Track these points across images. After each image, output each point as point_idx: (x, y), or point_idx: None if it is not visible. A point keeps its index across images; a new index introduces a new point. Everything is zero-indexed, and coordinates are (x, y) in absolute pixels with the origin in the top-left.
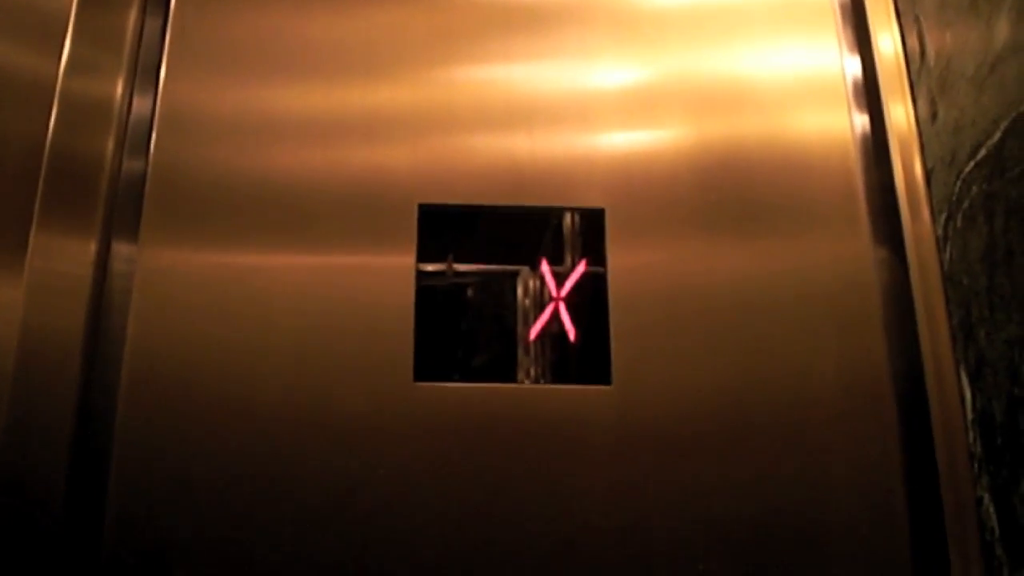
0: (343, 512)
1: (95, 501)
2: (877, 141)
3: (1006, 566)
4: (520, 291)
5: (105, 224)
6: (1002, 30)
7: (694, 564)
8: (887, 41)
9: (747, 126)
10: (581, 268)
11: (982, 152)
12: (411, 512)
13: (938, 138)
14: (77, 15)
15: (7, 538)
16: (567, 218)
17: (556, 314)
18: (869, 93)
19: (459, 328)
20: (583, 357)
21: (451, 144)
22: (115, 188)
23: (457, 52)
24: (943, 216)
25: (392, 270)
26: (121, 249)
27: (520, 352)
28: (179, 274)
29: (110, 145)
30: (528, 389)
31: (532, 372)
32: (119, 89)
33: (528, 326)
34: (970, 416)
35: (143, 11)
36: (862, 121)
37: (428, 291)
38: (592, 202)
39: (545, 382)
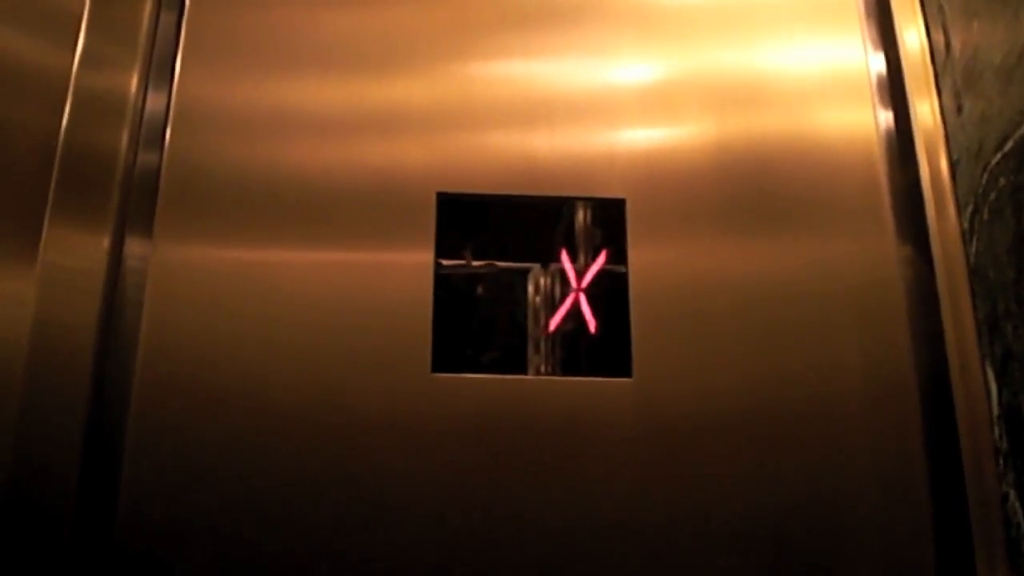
0: (360, 503)
1: (107, 497)
2: (902, 137)
3: None
4: (540, 283)
5: (119, 219)
6: None
7: (714, 558)
8: (912, 36)
9: (770, 123)
10: (601, 259)
11: (1009, 144)
12: (428, 502)
13: (964, 130)
14: (91, 9)
15: (19, 535)
16: (586, 210)
17: (576, 306)
18: (893, 89)
19: (478, 319)
20: (603, 349)
21: (469, 137)
22: (129, 183)
23: (474, 47)
24: (969, 209)
25: (411, 261)
26: (135, 244)
27: (540, 344)
28: (193, 270)
29: (124, 139)
30: (547, 381)
31: (551, 364)
32: (134, 83)
33: (548, 318)
34: (996, 411)
35: (158, 5)
36: (886, 117)
37: (446, 282)
38: (612, 192)
39: (565, 374)
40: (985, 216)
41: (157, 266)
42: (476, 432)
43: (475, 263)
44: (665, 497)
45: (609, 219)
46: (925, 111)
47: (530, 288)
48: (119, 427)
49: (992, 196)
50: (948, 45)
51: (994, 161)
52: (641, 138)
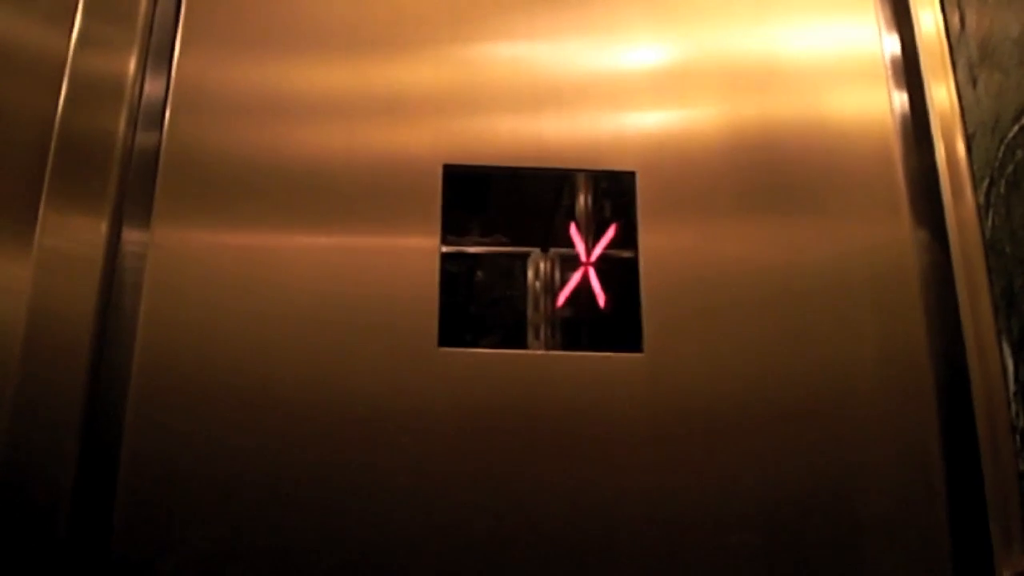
0: (368, 486)
1: (105, 486)
2: (917, 119)
3: None
4: (548, 257)
5: (117, 203)
6: None
7: (726, 538)
8: (928, 16)
9: (783, 104)
10: (611, 233)
11: None
12: (437, 479)
13: (979, 104)
14: None
15: (12, 534)
16: (596, 183)
17: (585, 280)
18: (908, 70)
19: (485, 294)
20: (613, 324)
21: (476, 116)
22: (127, 167)
23: (481, 27)
24: (985, 183)
25: (417, 236)
26: (133, 229)
27: (549, 318)
28: (193, 254)
29: (122, 122)
30: (556, 356)
31: (560, 339)
32: (132, 65)
33: (557, 292)
34: (1012, 388)
35: None
36: (901, 99)
37: (453, 257)
38: (624, 165)
39: (574, 349)
40: (1002, 189)
41: (156, 250)
42: (485, 407)
43: (483, 238)
44: (678, 472)
45: (619, 193)
46: (941, 92)
47: (539, 263)
48: (117, 417)
49: (1009, 169)
50: (962, 21)
51: (1011, 134)
52: (652, 116)
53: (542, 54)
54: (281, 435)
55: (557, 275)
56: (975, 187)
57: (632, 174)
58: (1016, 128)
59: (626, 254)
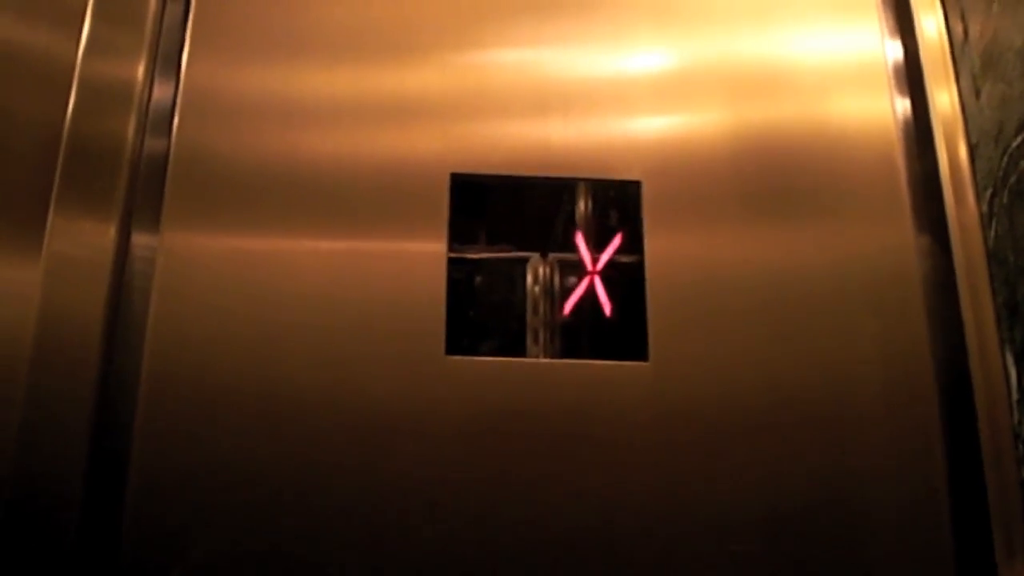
0: (377, 491)
1: (114, 492)
2: (919, 125)
3: None
4: (554, 266)
5: (126, 208)
6: None
7: (730, 546)
8: (930, 22)
9: (787, 110)
10: (616, 242)
11: None
12: (444, 486)
13: (982, 113)
14: None
15: (22, 540)
16: (602, 192)
17: (591, 289)
18: (911, 76)
19: (491, 302)
20: (619, 332)
21: (483, 123)
22: (136, 172)
23: (488, 34)
24: (988, 192)
25: (424, 244)
26: (142, 234)
27: (555, 326)
28: (202, 259)
29: (131, 128)
30: (562, 364)
31: (567, 347)
32: (140, 71)
33: (563, 301)
34: (1015, 396)
35: None
36: (903, 105)
37: (460, 265)
38: (628, 175)
39: (580, 357)
40: (1004, 199)
41: (165, 256)
42: (491, 414)
43: (489, 246)
44: (683, 480)
45: (624, 202)
46: (943, 98)
47: (545, 271)
48: (126, 422)
49: (1012, 179)
50: (966, 31)
51: (1014, 144)
52: (657, 124)
53: (548, 60)
54: (290, 440)
55: (564, 284)
56: (978, 197)
57: (638, 183)
58: (1019, 139)
59: (632, 263)
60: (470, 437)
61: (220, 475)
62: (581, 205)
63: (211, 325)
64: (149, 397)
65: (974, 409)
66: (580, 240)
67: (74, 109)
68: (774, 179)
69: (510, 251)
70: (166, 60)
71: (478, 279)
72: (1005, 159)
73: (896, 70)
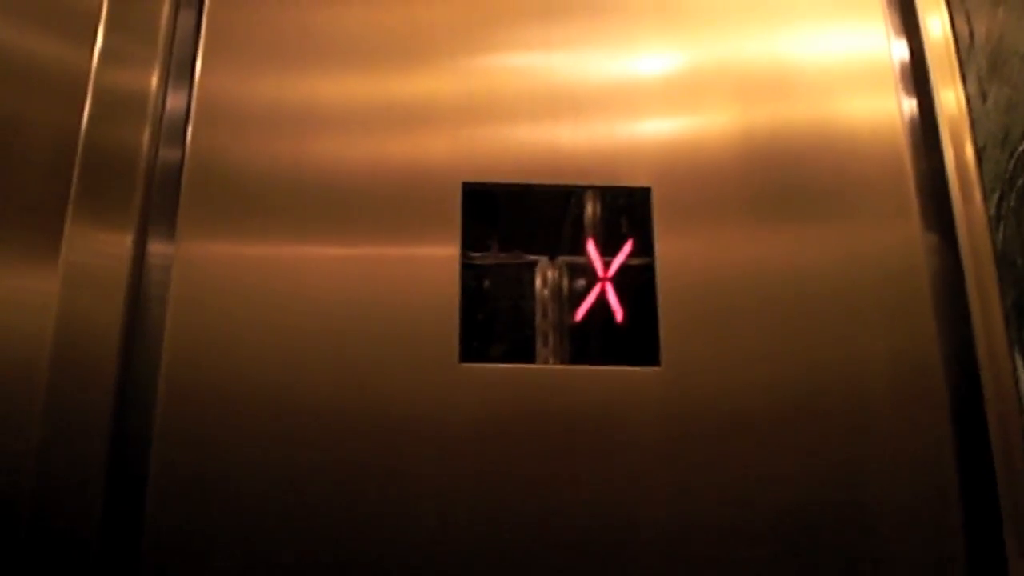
0: (393, 499)
1: (134, 499)
2: (926, 125)
3: None
4: (566, 273)
5: (142, 217)
6: None
7: (742, 549)
8: (935, 23)
9: (794, 111)
10: (627, 249)
11: None
12: (457, 491)
13: (989, 117)
14: (110, 6)
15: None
16: (612, 199)
17: (603, 295)
18: (917, 76)
19: (504, 310)
20: (631, 338)
21: (494, 129)
22: (151, 180)
23: (497, 39)
24: (995, 195)
25: (437, 252)
26: (158, 243)
27: (567, 333)
28: (218, 267)
29: (146, 137)
30: (574, 370)
31: (579, 353)
32: (154, 80)
33: (575, 307)
34: None
35: (177, 1)
36: (910, 105)
37: (473, 273)
38: (638, 181)
39: (592, 363)
40: (1012, 202)
41: (181, 264)
42: (505, 421)
43: (502, 254)
44: (695, 483)
45: (635, 208)
46: (949, 98)
47: (556, 278)
48: (145, 430)
49: (1020, 182)
50: (972, 33)
51: (1021, 147)
52: (666, 128)
53: (558, 65)
54: (307, 447)
55: (573, 287)
56: (985, 199)
57: (647, 190)
58: None
59: (643, 268)
60: (485, 443)
61: (238, 482)
62: (592, 211)
63: (227, 332)
64: (167, 405)
65: (984, 410)
66: (591, 247)
67: (89, 118)
68: (782, 181)
69: (523, 258)
70: (179, 69)
71: (489, 284)
72: (1012, 162)
73: (903, 70)
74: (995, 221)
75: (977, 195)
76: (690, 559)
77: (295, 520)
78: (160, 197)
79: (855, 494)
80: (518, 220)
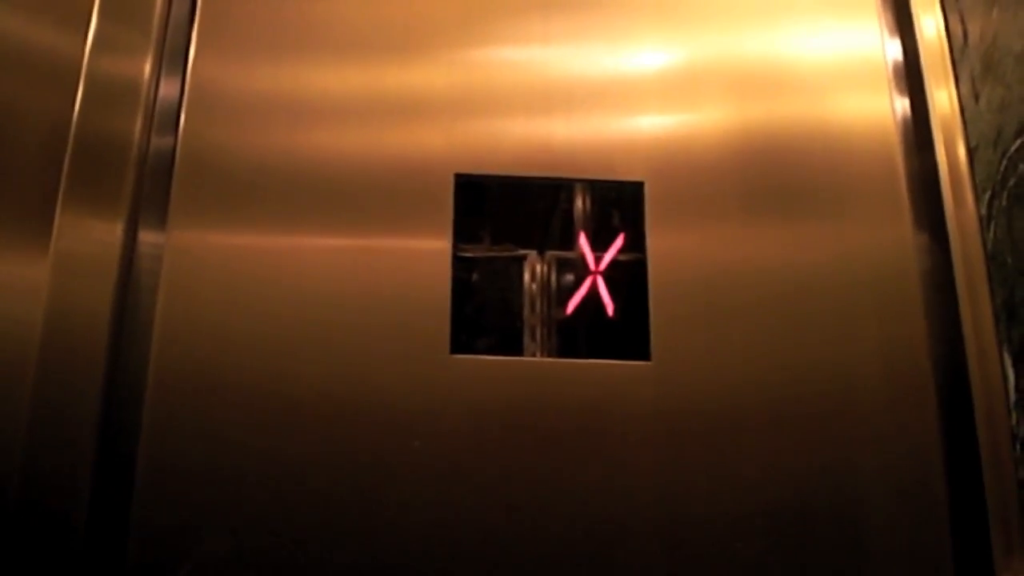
0: (384, 490)
1: (121, 490)
2: (919, 124)
3: None
4: (557, 266)
5: (133, 205)
6: None
7: (732, 545)
8: (929, 23)
9: (787, 109)
10: (619, 242)
11: None
12: (447, 484)
13: (982, 117)
14: None
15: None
16: (604, 192)
17: (594, 288)
18: (910, 76)
19: (495, 302)
20: (621, 332)
21: (488, 121)
22: (143, 169)
23: (493, 32)
24: (987, 195)
25: (428, 244)
26: (149, 231)
27: (558, 326)
28: (209, 256)
29: (137, 125)
30: (565, 363)
31: (570, 346)
32: (147, 68)
33: (566, 301)
34: (1013, 398)
35: None
36: (903, 104)
37: (464, 265)
38: (631, 175)
39: (583, 357)
40: (1003, 202)
41: (172, 253)
42: (496, 412)
43: (493, 246)
44: (685, 478)
45: (627, 202)
46: (942, 98)
47: (547, 271)
48: (134, 419)
49: (1011, 182)
50: (965, 33)
51: (1013, 148)
52: (659, 123)
53: (553, 59)
54: (296, 438)
55: (568, 283)
56: (977, 199)
57: (640, 184)
58: (1018, 143)
59: (634, 263)
60: (475, 434)
61: (226, 472)
62: (584, 205)
63: (218, 322)
64: (156, 394)
65: (972, 410)
66: (583, 240)
67: (81, 106)
68: (775, 178)
69: (515, 250)
70: (172, 57)
71: (479, 277)
72: (1004, 162)
73: (896, 70)
74: (986, 221)
75: (969, 195)
76: (679, 553)
77: (284, 509)
78: (152, 186)
79: (843, 490)
80: (510, 213)
